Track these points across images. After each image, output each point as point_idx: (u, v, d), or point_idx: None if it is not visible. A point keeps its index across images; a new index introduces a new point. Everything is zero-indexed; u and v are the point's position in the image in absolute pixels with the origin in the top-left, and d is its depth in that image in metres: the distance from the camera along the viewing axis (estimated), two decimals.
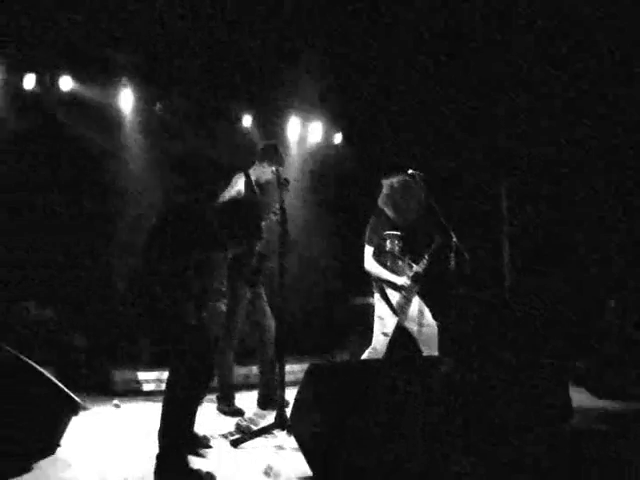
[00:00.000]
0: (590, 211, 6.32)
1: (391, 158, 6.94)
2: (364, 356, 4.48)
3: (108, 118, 6.59)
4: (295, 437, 3.21)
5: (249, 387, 5.43)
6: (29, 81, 6.05)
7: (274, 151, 4.76)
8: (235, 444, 3.71)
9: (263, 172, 4.77)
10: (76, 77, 6.24)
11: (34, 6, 5.52)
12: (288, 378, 4.23)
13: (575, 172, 6.35)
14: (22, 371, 3.39)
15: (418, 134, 7.12)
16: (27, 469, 3.19)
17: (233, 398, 4.70)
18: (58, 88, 6.20)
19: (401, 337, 4.52)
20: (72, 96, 6.28)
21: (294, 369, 5.84)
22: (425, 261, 4.44)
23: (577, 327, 5.78)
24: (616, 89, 6.18)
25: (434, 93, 6.83)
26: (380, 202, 4.54)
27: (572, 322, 5.84)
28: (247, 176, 4.74)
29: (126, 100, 6.59)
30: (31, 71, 6.03)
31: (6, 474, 3.08)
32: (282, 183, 4.16)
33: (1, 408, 3.30)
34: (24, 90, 6.07)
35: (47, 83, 6.15)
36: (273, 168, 4.64)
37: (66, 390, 3.50)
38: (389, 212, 4.49)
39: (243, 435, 3.84)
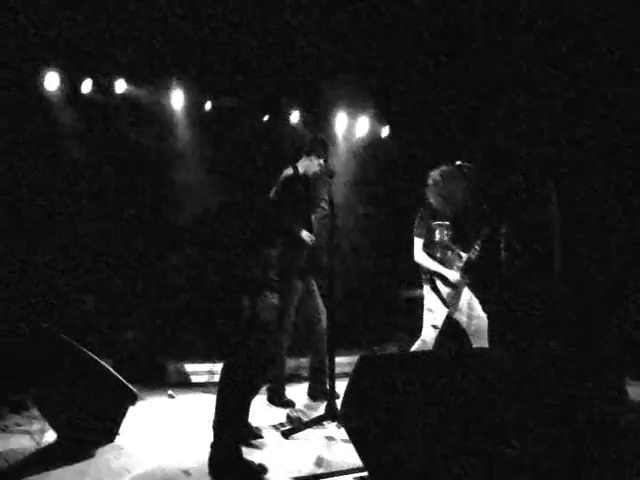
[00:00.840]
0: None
1: (438, 150, 6.88)
2: (413, 348, 4.47)
3: (160, 117, 6.78)
4: (345, 428, 3.22)
5: (299, 379, 5.49)
6: (86, 86, 6.29)
7: (321, 144, 4.79)
8: (286, 435, 3.76)
9: (310, 166, 4.81)
10: (130, 80, 6.43)
11: (86, 13, 5.69)
12: (338, 370, 4.26)
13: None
14: (83, 363, 3.54)
15: (463, 125, 7.05)
16: (87, 456, 3.33)
17: (284, 389, 4.75)
18: (113, 91, 6.41)
19: (451, 329, 4.49)
20: (126, 98, 6.48)
21: (344, 361, 5.87)
22: (475, 251, 4.39)
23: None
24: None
25: (481, 85, 6.76)
26: (429, 193, 4.52)
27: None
28: (295, 170, 4.78)
29: (177, 100, 6.76)
30: (87, 76, 6.26)
31: (68, 461, 3.22)
32: (329, 175, 4.18)
33: (64, 398, 3.47)
34: (82, 94, 6.31)
35: (103, 87, 6.37)
36: (320, 161, 4.68)
37: (124, 381, 3.63)
38: (438, 203, 4.47)
39: (294, 426, 3.89)
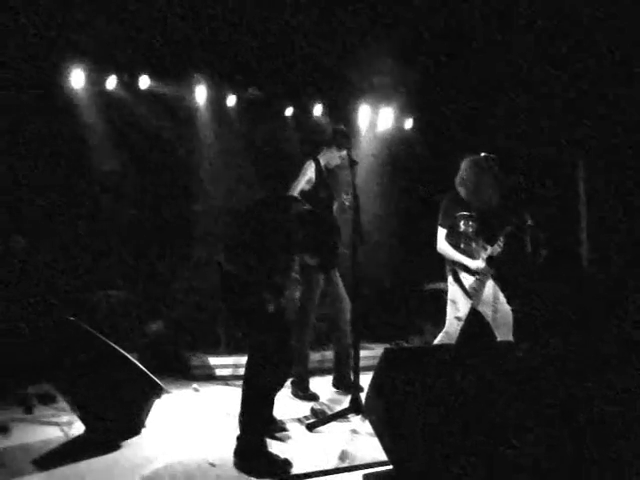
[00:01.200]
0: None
1: (464, 141, 6.83)
2: (437, 340, 4.43)
3: (184, 112, 6.83)
4: (370, 422, 3.22)
5: (323, 372, 5.49)
6: (111, 82, 6.36)
7: (342, 135, 4.77)
8: (310, 428, 3.76)
9: (332, 157, 4.79)
10: (153, 76, 6.48)
11: (109, 10, 5.74)
12: (363, 363, 4.24)
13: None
14: (109, 356, 3.58)
15: (492, 116, 6.98)
16: (115, 448, 3.37)
17: (308, 383, 4.76)
18: (137, 87, 6.47)
19: (475, 321, 4.45)
20: (150, 94, 6.54)
21: (369, 354, 5.86)
22: (500, 243, 4.33)
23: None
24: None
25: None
26: (455, 183, 4.48)
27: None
28: (317, 162, 4.77)
29: (200, 95, 6.80)
30: (112, 73, 6.33)
31: (95, 452, 3.27)
32: (352, 165, 4.15)
33: (91, 391, 3.51)
34: (106, 90, 6.38)
35: (127, 83, 6.44)
36: (343, 152, 4.66)
37: (150, 374, 3.67)
38: (463, 193, 4.42)
39: (318, 419, 3.89)
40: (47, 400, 4.30)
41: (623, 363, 3.04)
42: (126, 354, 3.65)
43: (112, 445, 3.39)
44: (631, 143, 6.01)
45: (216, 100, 6.94)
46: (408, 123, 7.86)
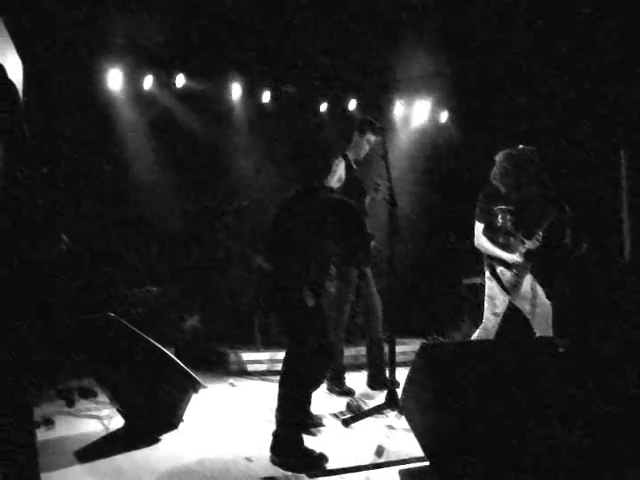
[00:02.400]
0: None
1: (501, 134, 6.73)
2: (474, 336, 4.37)
3: (218, 110, 6.88)
4: (406, 417, 3.20)
5: (359, 367, 5.48)
6: (147, 82, 6.46)
7: (369, 124, 4.71)
8: (346, 423, 3.76)
9: (360, 147, 4.75)
10: (189, 74, 6.55)
11: (148, 12, 5.82)
12: (399, 359, 4.22)
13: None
14: (148, 351, 3.63)
15: (526, 110, 6.88)
16: (154, 441, 3.43)
17: (343, 378, 4.75)
18: (174, 85, 6.55)
19: (513, 317, 4.38)
20: (186, 92, 6.61)
21: (406, 350, 5.83)
22: (539, 237, 4.25)
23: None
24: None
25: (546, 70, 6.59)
26: (492, 177, 4.40)
27: None
28: (346, 159, 4.73)
29: (235, 92, 6.85)
30: (149, 72, 6.42)
31: (134, 445, 3.33)
32: (382, 156, 4.06)
33: (130, 385, 3.57)
34: (143, 90, 6.47)
35: (164, 82, 6.52)
36: (372, 138, 4.61)
37: (187, 369, 3.71)
38: (501, 187, 4.35)
39: (354, 415, 3.88)
40: (88, 394, 4.40)
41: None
42: (164, 349, 3.70)
43: (150, 439, 3.44)
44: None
45: (251, 97, 6.98)
46: (444, 116, 7.77)
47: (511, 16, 6.02)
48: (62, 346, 4.52)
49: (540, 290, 4.24)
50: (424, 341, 6.15)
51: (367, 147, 4.75)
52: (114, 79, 6.29)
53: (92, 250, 5.73)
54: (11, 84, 2.25)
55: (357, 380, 4.95)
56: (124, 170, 6.46)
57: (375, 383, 4.81)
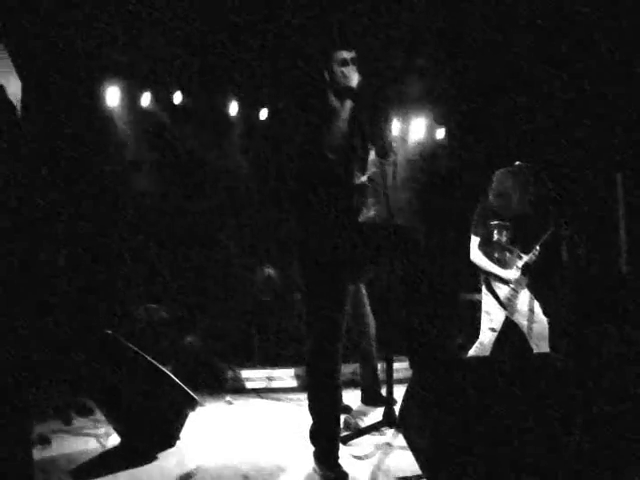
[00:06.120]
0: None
1: (498, 150, 6.78)
2: (471, 352, 4.37)
3: (217, 126, 6.94)
4: (404, 435, 3.19)
5: (355, 384, 5.45)
6: (145, 99, 6.51)
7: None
8: (343, 441, 3.74)
9: None
10: (186, 91, 6.61)
11: (142, 27, 5.87)
12: (396, 376, 4.20)
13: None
14: (144, 368, 3.62)
15: (525, 125, 6.92)
16: (150, 459, 3.41)
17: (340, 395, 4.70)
18: (171, 103, 6.60)
19: (510, 332, 4.38)
20: (183, 108, 6.66)
21: (402, 367, 5.80)
22: (535, 252, 4.27)
23: None
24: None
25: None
26: (489, 193, 4.44)
27: None
28: None
29: (232, 107, 6.90)
30: (146, 90, 6.47)
31: (131, 464, 3.31)
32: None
33: (126, 403, 3.56)
34: (141, 107, 6.52)
35: (161, 99, 6.58)
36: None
37: (184, 387, 3.70)
38: (497, 203, 4.38)
39: (351, 432, 3.86)
40: (85, 412, 4.39)
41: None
42: (161, 367, 3.69)
43: (147, 457, 3.42)
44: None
45: (248, 114, 7.03)
46: (440, 133, 7.83)
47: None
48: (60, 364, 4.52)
49: (537, 306, 4.26)
50: (420, 357, 6.13)
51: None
52: (111, 96, 6.35)
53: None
54: (11, 104, 2.28)
55: (354, 397, 4.92)
56: (125, 190, 6.51)
57: (370, 400, 4.77)
